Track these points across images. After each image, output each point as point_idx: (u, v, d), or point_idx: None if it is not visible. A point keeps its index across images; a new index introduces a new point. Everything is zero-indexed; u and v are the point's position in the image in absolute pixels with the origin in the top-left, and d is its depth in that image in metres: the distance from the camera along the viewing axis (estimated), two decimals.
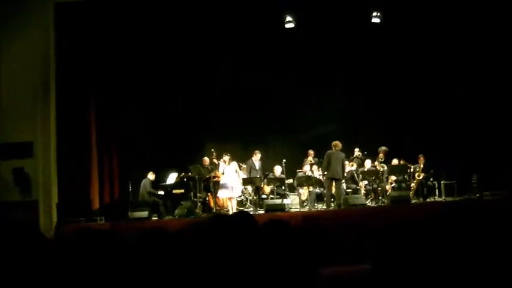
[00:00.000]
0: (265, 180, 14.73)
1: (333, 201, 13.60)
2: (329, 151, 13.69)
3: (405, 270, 2.84)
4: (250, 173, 14.75)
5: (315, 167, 15.02)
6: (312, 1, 14.22)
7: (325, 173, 13.67)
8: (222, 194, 14.35)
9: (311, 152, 15.43)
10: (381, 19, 14.63)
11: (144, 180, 14.75)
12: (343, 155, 13.72)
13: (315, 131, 15.91)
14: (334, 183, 13.53)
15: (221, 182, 14.33)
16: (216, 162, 15.03)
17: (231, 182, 14.11)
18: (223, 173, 14.44)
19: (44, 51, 13.70)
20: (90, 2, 13.79)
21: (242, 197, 15.15)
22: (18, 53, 13.50)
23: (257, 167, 14.76)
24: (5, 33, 13.56)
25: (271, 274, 2.77)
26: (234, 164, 14.49)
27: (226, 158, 14.53)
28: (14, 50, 13.53)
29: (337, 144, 13.68)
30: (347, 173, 14.43)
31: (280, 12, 14.84)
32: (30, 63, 13.54)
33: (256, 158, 14.86)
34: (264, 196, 14.88)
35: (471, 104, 14.78)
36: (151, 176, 14.87)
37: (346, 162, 14.72)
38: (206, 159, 15.15)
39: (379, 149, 14.82)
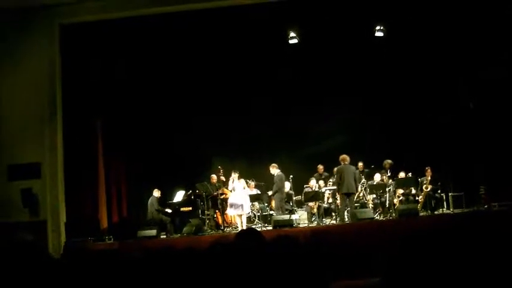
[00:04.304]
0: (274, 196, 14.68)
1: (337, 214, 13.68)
2: (339, 166, 13.70)
3: (415, 283, 2.83)
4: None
5: (321, 182, 15.00)
6: (316, 16, 14.25)
7: (339, 188, 13.71)
8: (231, 211, 14.39)
9: (320, 166, 15.42)
10: (384, 32, 14.64)
11: (150, 198, 14.77)
12: (354, 168, 13.74)
13: (322, 146, 15.91)
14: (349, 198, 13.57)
15: (230, 201, 14.36)
16: (224, 180, 15.04)
17: (240, 200, 14.14)
18: (231, 191, 14.46)
19: (50, 72, 13.75)
20: (94, 22, 13.87)
21: (250, 213, 15.15)
22: (25, 74, 13.56)
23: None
24: (11, 55, 13.64)
25: None
26: (242, 181, 14.52)
27: (235, 175, 14.54)
28: (21, 71, 13.60)
29: (346, 158, 13.70)
30: None
31: (285, 28, 14.89)
32: (37, 84, 13.59)
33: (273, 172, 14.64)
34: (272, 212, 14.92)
35: (478, 115, 14.75)
36: (156, 193, 14.88)
37: None
38: (214, 177, 15.15)
39: (384, 162, 14.79)
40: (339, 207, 13.91)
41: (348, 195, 13.50)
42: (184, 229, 13.84)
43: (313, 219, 14.40)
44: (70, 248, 12.30)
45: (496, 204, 12.68)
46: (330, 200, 14.78)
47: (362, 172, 15.16)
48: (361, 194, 14.76)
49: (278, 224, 13.00)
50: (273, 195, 14.63)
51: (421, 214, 13.58)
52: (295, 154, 16.69)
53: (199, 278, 2.86)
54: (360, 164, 15.28)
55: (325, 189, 14.73)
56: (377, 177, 14.74)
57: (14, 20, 13.51)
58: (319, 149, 15.94)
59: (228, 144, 16.61)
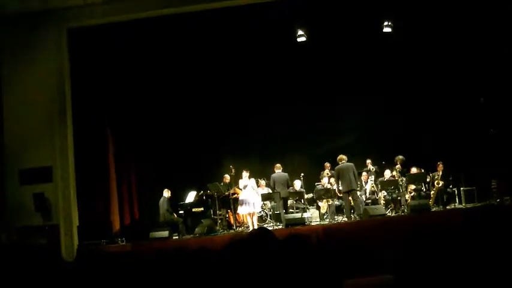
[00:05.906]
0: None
1: (353, 213, 13.63)
2: (337, 166, 13.80)
3: (427, 279, 2.83)
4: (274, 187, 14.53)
5: (332, 180, 14.98)
6: (323, 14, 14.21)
7: (340, 187, 13.73)
8: (242, 210, 14.31)
9: (327, 164, 15.41)
10: (392, 28, 14.59)
11: (161, 199, 14.78)
12: (351, 165, 13.70)
13: (332, 144, 15.90)
14: (351, 195, 13.57)
15: (241, 198, 14.30)
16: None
17: (252, 198, 14.10)
18: (242, 188, 14.42)
19: (59, 76, 13.80)
20: (102, 26, 13.90)
21: (262, 212, 15.14)
22: (35, 79, 13.63)
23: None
24: (20, 60, 13.71)
25: None
26: (252, 180, 14.49)
27: (246, 174, 14.51)
28: (31, 76, 13.66)
29: (342, 157, 13.82)
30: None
31: (293, 27, 14.87)
32: (46, 88, 13.66)
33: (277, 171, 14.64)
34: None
35: (489, 109, 14.68)
36: (166, 193, 14.89)
37: (364, 174, 14.72)
38: (227, 177, 15.09)
39: (396, 158, 14.75)
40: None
41: (350, 192, 13.54)
42: (196, 230, 13.84)
43: (325, 217, 14.38)
44: (83, 251, 12.33)
45: (508, 198, 12.63)
46: None
47: (369, 171, 15.15)
48: (373, 191, 14.75)
49: (290, 223, 12.98)
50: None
51: (433, 209, 13.52)
52: (307, 153, 16.67)
53: (212, 277, 2.87)
54: (368, 161, 15.24)
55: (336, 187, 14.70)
56: (387, 173, 14.70)
57: (22, 26, 13.58)
58: (331, 147, 15.90)
59: (239, 143, 16.62)
